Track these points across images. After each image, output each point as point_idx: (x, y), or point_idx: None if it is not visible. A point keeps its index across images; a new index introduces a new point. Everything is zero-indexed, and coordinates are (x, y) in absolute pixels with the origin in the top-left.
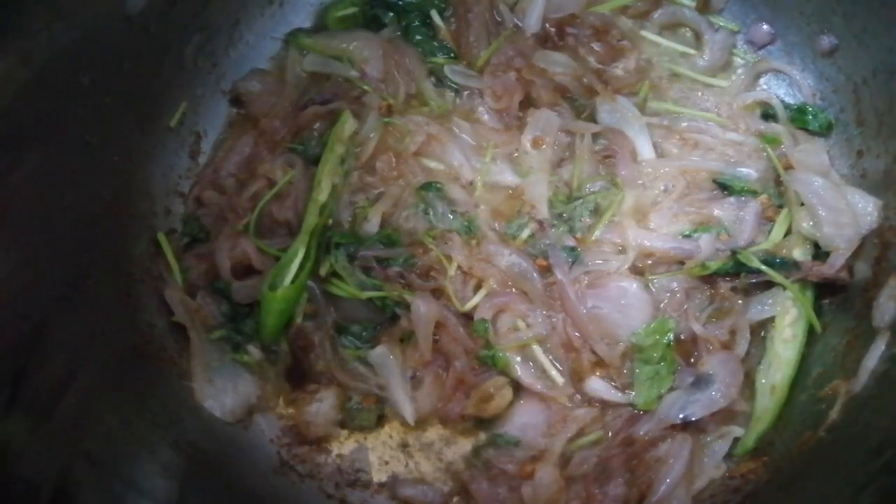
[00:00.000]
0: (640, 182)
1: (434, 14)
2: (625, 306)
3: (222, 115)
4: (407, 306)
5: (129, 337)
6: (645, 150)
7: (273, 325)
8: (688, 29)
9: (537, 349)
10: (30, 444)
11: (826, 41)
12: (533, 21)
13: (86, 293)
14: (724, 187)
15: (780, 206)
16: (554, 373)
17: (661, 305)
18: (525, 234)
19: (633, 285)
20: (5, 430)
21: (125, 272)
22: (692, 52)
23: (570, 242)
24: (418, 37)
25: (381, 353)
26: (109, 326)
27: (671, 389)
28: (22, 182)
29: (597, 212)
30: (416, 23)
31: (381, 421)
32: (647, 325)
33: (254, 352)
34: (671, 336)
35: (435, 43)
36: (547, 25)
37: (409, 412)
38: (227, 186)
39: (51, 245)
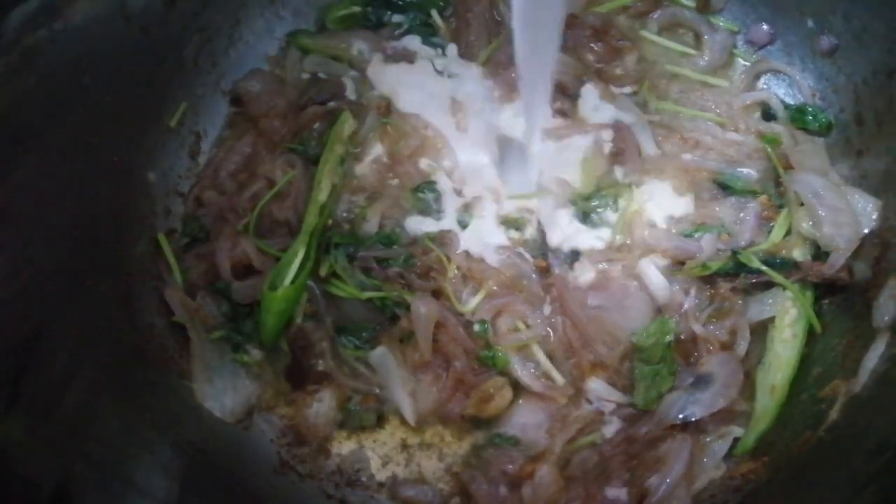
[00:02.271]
0: (640, 181)
1: (434, 13)
2: (625, 306)
3: (222, 115)
4: (407, 306)
5: (129, 337)
6: (647, 149)
7: (273, 325)
8: (688, 29)
9: (537, 349)
10: (30, 444)
11: (826, 41)
12: None
13: (86, 293)
14: (725, 187)
15: (780, 206)
16: (554, 373)
17: (661, 305)
18: (525, 234)
19: (633, 285)
20: (5, 430)
21: (125, 272)
22: (692, 52)
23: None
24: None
25: (381, 354)
26: (109, 326)
27: (671, 389)
28: (22, 182)
29: (597, 211)
30: (416, 23)
31: (381, 421)
32: (647, 326)
33: (254, 352)
34: (671, 336)
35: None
36: None
37: (409, 412)
38: (227, 186)
39: (51, 245)
